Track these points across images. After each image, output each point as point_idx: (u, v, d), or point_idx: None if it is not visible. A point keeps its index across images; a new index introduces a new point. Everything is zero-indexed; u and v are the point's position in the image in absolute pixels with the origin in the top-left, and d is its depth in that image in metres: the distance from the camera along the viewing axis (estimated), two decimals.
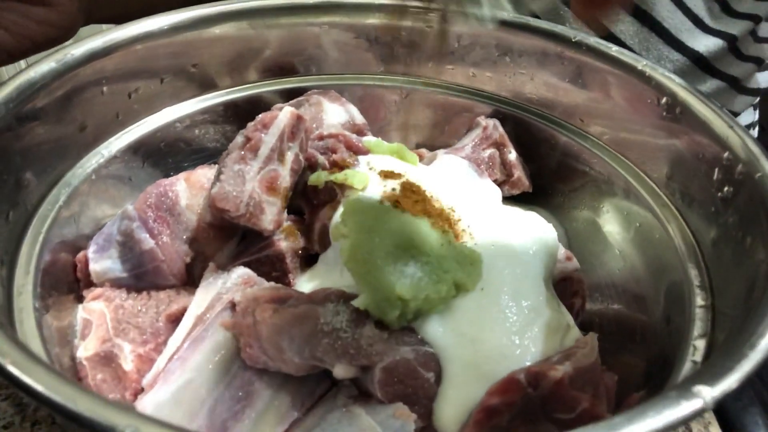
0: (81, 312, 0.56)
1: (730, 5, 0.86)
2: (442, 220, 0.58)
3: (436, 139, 0.81)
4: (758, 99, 1.01)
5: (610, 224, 0.67)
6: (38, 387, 0.31)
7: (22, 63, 0.62)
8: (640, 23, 0.85)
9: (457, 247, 0.55)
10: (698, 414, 0.32)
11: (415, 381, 0.50)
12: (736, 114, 0.99)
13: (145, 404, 0.47)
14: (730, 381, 0.34)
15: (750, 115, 1.05)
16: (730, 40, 0.87)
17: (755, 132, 1.07)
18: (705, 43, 0.87)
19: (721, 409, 0.62)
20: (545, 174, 0.74)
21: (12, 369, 0.33)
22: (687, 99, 0.58)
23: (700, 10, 0.85)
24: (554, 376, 0.47)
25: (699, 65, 0.89)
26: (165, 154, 0.69)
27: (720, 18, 0.86)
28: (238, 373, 0.51)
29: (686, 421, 0.32)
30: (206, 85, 0.71)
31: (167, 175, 0.63)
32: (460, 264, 0.54)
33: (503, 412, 0.48)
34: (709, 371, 0.35)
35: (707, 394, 0.33)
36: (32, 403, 0.55)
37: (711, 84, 0.92)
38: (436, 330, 0.52)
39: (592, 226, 0.69)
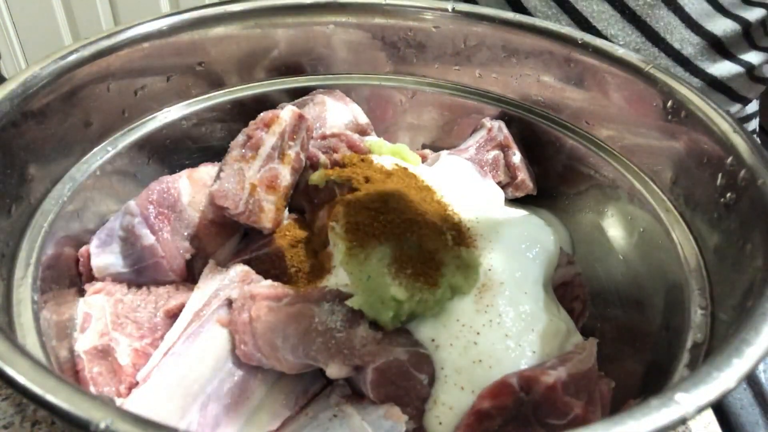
0: (82, 305, 0.56)
1: None
2: (441, 220, 0.57)
3: (443, 140, 0.80)
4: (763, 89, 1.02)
5: (614, 228, 0.66)
6: (18, 377, 0.31)
7: (23, 62, 0.63)
8: (665, 7, 0.88)
9: (455, 249, 0.55)
10: (680, 422, 0.32)
11: (407, 382, 0.50)
12: (748, 100, 1.01)
13: (137, 398, 0.48)
14: (714, 390, 0.33)
15: (754, 105, 1.07)
16: (745, 25, 0.90)
17: (756, 121, 1.09)
18: (723, 27, 0.89)
19: (721, 409, 0.61)
20: (551, 176, 0.73)
21: None
22: (693, 102, 0.57)
23: None
24: (546, 381, 0.47)
25: (715, 48, 0.91)
26: (171, 151, 0.69)
27: (736, 4, 0.89)
28: (232, 370, 0.51)
29: (667, 429, 0.31)
30: (213, 84, 0.72)
31: (173, 172, 0.64)
32: (457, 267, 0.54)
33: (495, 416, 0.47)
34: (694, 380, 0.34)
35: (689, 402, 0.32)
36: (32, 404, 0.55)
37: (728, 67, 0.93)
38: (430, 332, 0.52)
39: (597, 230, 0.68)
